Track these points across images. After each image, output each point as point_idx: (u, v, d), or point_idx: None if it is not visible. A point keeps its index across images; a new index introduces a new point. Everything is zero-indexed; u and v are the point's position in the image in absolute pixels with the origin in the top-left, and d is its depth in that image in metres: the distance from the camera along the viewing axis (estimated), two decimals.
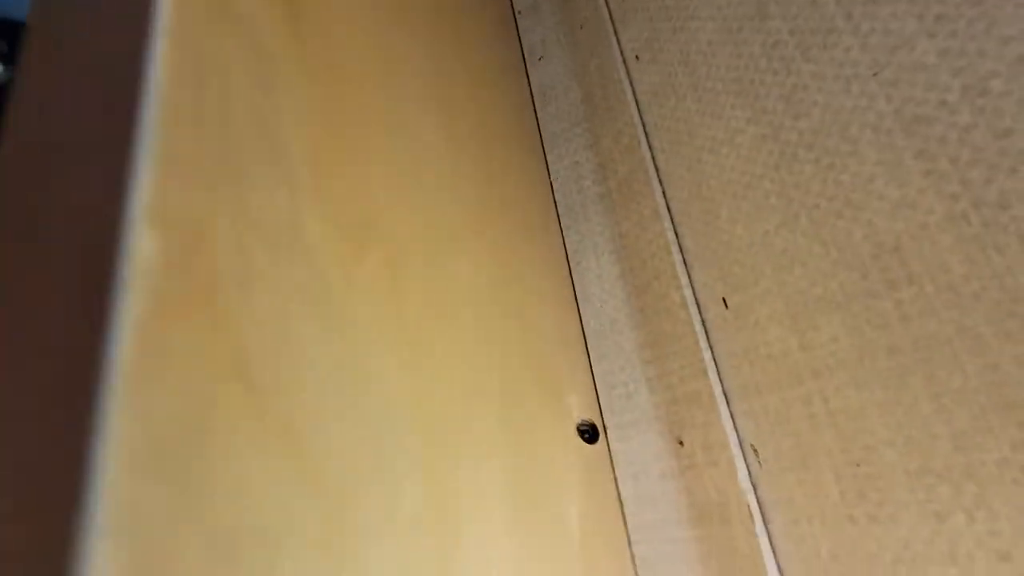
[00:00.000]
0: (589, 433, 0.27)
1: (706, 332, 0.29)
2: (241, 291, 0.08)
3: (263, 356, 0.08)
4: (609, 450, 0.33)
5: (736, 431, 0.27)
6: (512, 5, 0.41)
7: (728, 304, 0.27)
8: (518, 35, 0.40)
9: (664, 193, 0.31)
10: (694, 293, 0.29)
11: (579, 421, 0.26)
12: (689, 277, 0.29)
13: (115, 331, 0.07)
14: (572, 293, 0.37)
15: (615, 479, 0.32)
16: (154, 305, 0.07)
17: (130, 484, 0.06)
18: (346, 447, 0.09)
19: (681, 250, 0.29)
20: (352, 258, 0.11)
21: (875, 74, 0.21)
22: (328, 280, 0.10)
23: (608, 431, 0.31)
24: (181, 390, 0.07)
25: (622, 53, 0.33)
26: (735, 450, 0.27)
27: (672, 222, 0.30)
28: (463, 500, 0.12)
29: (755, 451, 0.26)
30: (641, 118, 0.32)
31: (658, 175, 0.31)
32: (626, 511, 0.31)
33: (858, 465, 0.22)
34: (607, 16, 0.35)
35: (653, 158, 0.31)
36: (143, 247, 0.07)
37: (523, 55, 0.40)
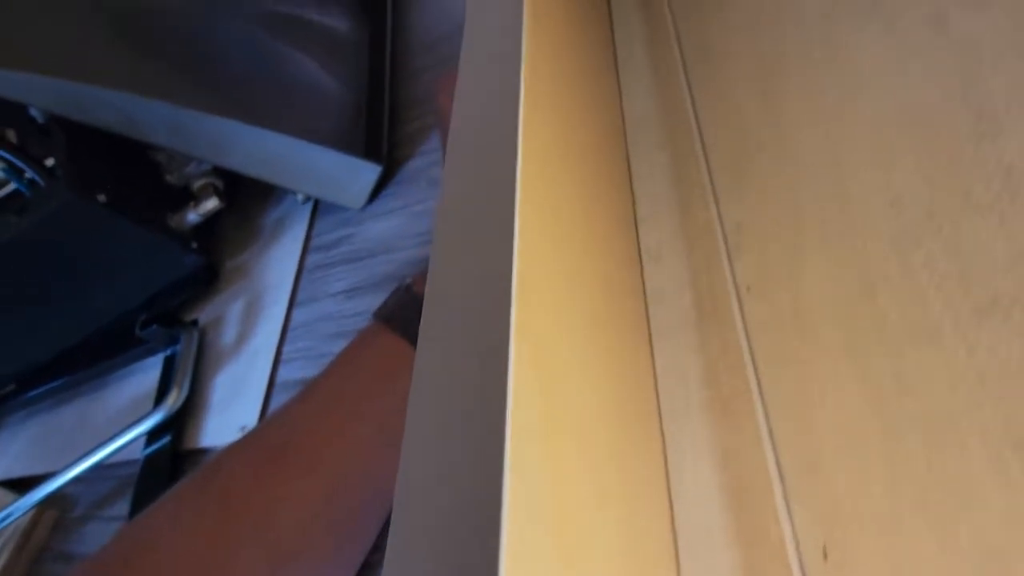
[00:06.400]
0: None
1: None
2: None
3: None
4: None
5: None
6: (635, 209, 0.46)
7: (828, 557, 0.28)
8: (637, 236, 0.45)
9: (768, 421, 0.32)
10: (794, 532, 0.29)
11: None
12: (789, 513, 0.30)
13: None
14: (667, 491, 0.38)
15: None
16: None
17: None
18: None
19: (783, 485, 0.30)
20: None
21: (984, 380, 0.22)
22: None
23: None
24: None
25: (735, 280, 0.36)
26: None
27: (775, 452, 0.31)
28: None
29: None
30: (749, 344, 0.34)
31: (763, 401, 0.33)
32: None
33: None
34: (722, 240, 0.38)
35: (759, 384, 0.33)
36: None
37: (640, 254, 0.44)
